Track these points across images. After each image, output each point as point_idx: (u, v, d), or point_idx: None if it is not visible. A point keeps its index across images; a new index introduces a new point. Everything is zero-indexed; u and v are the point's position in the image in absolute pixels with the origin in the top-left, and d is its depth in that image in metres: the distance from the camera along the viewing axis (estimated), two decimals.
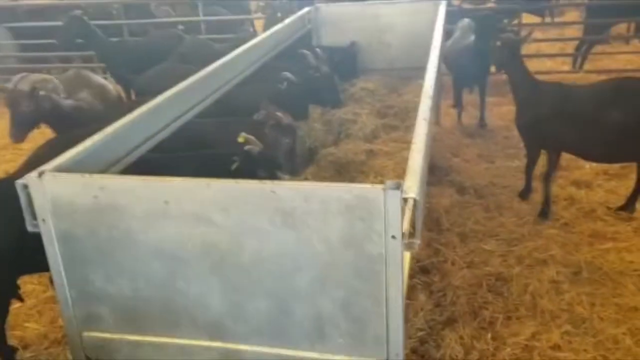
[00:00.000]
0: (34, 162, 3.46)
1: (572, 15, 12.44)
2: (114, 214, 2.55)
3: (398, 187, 2.24)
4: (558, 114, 4.65)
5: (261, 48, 5.56)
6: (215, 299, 2.60)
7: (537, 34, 11.00)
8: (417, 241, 2.33)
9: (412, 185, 2.37)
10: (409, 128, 5.32)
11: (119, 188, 2.51)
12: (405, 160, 4.42)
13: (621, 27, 10.66)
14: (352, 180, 4.56)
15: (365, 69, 7.01)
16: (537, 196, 5.35)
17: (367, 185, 2.29)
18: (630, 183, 5.10)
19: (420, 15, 6.99)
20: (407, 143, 4.85)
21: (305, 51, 5.23)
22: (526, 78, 4.94)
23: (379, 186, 2.26)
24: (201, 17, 9.57)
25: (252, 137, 3.68)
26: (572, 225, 4.90)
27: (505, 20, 8.60)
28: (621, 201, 5.11)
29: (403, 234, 2.28)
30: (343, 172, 4.70)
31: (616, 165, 5.74)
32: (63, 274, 2.73)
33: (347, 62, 6.68)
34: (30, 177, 2.57)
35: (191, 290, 2.63)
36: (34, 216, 2.65)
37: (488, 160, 6.34)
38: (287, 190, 2.36)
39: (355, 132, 5.13)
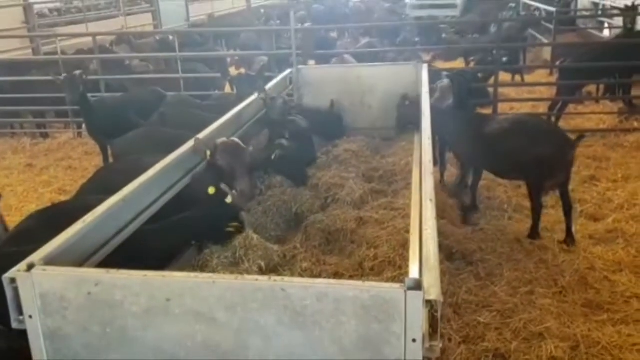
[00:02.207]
0: None
1: (540, 74, 12.80)
2: (109, 311, 2.37)
3: (419, 286, 2.13)
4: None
5: (242, 117, 5.50)
6: None
7: (511, 94, 11.30)
8: (439, 344, 2.20)
9: (434, 283, 2.24)
10: (397, 193, 5.26)
11: (116, 284, 2.34)
12: (398, 231, 4.40)
13: (592, 87, 10.96)
14: (342, 250, 4.44)
15: (347, 129, 6.98)
16: (525, 261, 5.33)
17: (386, 285, 2.17)
18: None
19: (400, 77, 7.06)
20: (396, 210, 4.84)
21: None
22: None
23: (397, 286, 2.15)
24: (180, 75, 9.51)
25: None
26: (565, 294, 4.85)
27: (480, 75, 8.76)
28: None
29: (423, 337, 2.16)
30: (332, 241, 4.56)
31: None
32: None
33: (332, 123, 6.66)
34: (18, 272, 2.39)
35: None
36: (19, 312, 2.45)
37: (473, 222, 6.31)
38: (298, 288, 2.23)
39: (343, 197, 5.03)
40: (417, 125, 6.33)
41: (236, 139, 4.53)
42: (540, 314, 4.52)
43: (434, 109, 7.12)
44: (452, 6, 18.51)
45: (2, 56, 11.40)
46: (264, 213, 4.96)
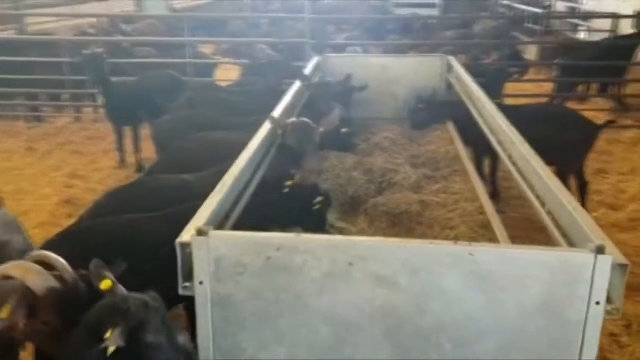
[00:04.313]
0: None
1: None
2: (286, 276, 2.37)
3: (605, 251, 2.22)
4: None
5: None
6: None
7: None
8: (620, 307, 2.31)
9: (614, 249, 2.34)
10: (446, 179, 5.35)
11: (299, 248, 2.34)
12: (469, 213, 4.50)
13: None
14: (410, 232, 4.50)
15: (374, 118, 7.03)
16: None
17: (576, 250, 2.26)
18: None
19: (426, 69, 7.18)
20: (456, 194, 4.92)
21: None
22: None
23: (587, 250, 2.24)
24: (187, 60, 9.36)
25: None
26: None
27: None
28: None
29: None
30: (398, 223, 4.62)
31: None
32: (211, 340, 2.49)
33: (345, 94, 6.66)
34: (195, 236, 2.36)
35: (358, 357, 2.47)
36: (187, 277, 2.42)
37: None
38: (487, 253, 2.29)
39: (400, 181, 5.10)
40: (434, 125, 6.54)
41: (306, 119, 4.54)
42: None
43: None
44: (432, 5, 18.86)
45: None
46: None
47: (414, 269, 2.32)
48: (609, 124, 5.98)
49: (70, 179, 7.53)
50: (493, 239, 3.88)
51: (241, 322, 2.45)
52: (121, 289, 2.22)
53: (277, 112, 4.66)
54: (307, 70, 6.53)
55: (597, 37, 12.75)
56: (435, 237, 4.26)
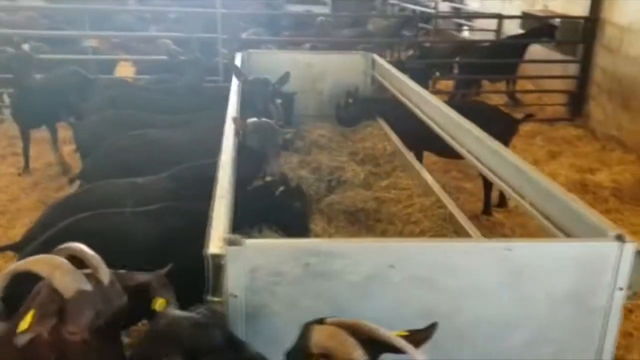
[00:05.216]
0: None
1: None
2: (325, 283, 2.27)
3: (625, 239, 2.36)
4: None
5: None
6: None
7: None
8: (638, 290, 2.46)
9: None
10: (390, 174, 5.43)
11: (337, 253, 2.25)
12: (427, 208, 4.59)
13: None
14: (370, 229, 4.51)
15: (298, 115, 6.99)
16: None
17: (601, 240, 2.37)
18: None
19: (349, 65, 7.25)
20: (406, 190, 5.01)
21: None
22: None
23: (612, 239, 2.36)
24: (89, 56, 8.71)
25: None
26: None
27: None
28: None
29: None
30: (355, 221, 4.62)
31: None
32: None
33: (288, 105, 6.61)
34: (228, 247, 2.18)
35: None
36: (216, 291, 2.25)
37: None
38: (522, 247, 2.35)
39: (350, 179, 5.11)
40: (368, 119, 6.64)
41: (267, 119, 4.41)
42: None
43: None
44: (323, 3, 19.09)
45: None
46: None
47: (452, 268, 2.32)
48: (528, 117, 6.37)
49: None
50: (460, 233, 3.99)
51: (274, 334, 2.32)
52: (172, 308, 2.00)
53: (232, 111, 4.47)
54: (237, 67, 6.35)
55: (479, 36, 13.62)
56: (400, 233, 4.32)
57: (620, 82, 9.03)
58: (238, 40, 9.13)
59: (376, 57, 7.13)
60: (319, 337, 1.91)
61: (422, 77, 7.08)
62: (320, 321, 2.03)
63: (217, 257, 2.21)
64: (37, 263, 1.96)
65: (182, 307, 2.06)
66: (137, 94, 6.42)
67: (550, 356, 2.47)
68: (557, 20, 10.62)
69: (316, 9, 18.73)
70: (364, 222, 4.63)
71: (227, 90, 6.97)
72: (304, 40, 11.73)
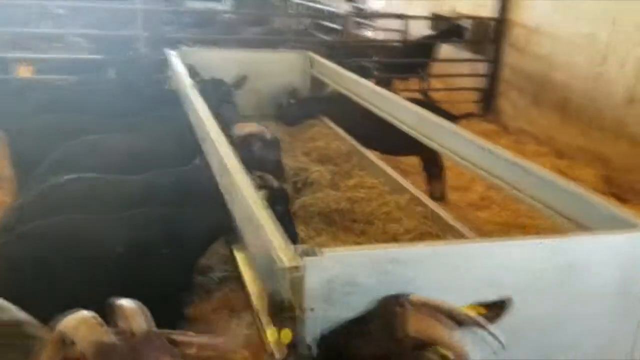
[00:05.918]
0: None
1: None
2: (401, 290, 2.21)
3: None
4: None
5: None
6: None
7: None
8: None
9: None
10: (350, 173, 5.42)
11: (412, 259, 2.20)
12: (404, 205, 4.62)
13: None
14: (347, 229, 4.46)
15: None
16: None
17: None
18: None
19: (287, 64, 7.16)
20: (375, 188, 5.03)
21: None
22: None
23: None
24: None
25: None
26: None
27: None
28: None
29: None
30: (330, 222, 4.56)
31: None
32: None
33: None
34: (307, 257, 2.06)
35: None
36: (292, 306, 2.11)
37: None
38: (575, 242, 2.42)
39: (317, 179, 5.03)
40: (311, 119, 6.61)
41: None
42: None
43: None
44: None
45: None
46: None
47: (516, 267, 2.35)
48: (468, 115, 6.62)
49: None
50: (448, 231, 4.07)
51: None
52: None
53: (204, 115, 4.24)
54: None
55: (384, 37, 14.02)
56: (384, 232, 4.32)
57: (530, 79, 9.66)
58: (162, 39, 8.72)
59: (314, 55, 7.08)
60: (419, 325, 1.96)
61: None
62: (398, 299, 2.07)
63: (293, 270, 2.08)
64: None
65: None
66: (68, 97, 5.94)
67: (602, 347, 2.58)
68: (468, 21, 11.16)
69: (213, 5, 18.43)
70: (340, 222, 4.59)
71: (162, 89, 6.71)
72: (216, 39, 11.48)
